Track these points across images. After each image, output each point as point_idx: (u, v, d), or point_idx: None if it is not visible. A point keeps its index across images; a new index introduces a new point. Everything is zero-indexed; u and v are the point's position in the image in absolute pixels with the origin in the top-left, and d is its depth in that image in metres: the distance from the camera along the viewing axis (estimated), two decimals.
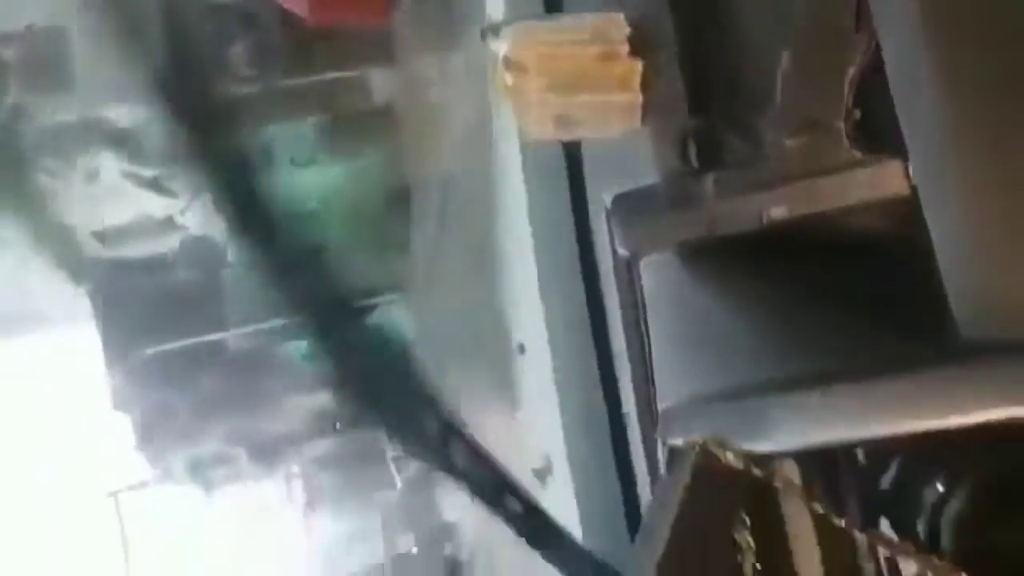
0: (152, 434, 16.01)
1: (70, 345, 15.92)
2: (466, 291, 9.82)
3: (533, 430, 5.68)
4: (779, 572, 1.42)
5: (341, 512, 22.82)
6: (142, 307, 14.66)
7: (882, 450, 1.38)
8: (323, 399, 19.73)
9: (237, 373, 16.57)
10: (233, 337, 15.92)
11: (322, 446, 20.82)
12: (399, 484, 21.32)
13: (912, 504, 1.29)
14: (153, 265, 14.92)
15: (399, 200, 14.52)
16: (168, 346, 14.91)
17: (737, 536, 1.38)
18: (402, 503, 21.01)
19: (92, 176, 12.05)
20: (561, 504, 4.58)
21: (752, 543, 1.38)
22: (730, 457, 1.32)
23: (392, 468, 21.43)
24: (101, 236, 14.10)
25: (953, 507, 1.25)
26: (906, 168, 1.46)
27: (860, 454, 1.39)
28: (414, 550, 18.99)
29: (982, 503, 1.25)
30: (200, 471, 18.38)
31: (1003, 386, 1.15)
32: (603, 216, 1.93)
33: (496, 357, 7.07)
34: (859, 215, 1.56)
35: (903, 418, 1.20)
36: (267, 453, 19.57)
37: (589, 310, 2.85)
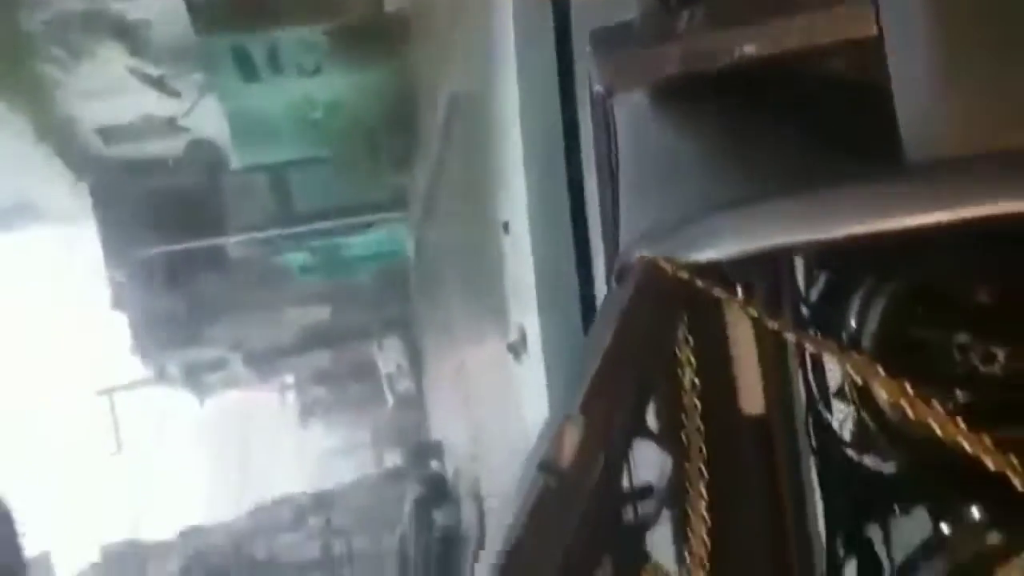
0: (148, 335, 16.15)
1: (69, 242, 15.95)
2: (468, 206, 9.84)
3: (512, 304, 5.77)
4: (717, 387, 1.47)
5: (333, 425, 23.16)
6: (143, 208, 14.66)
7: (815, 259, 1.43)
8: (319, 313, 19.88)
9: (235, 281, 16.65)
10: (233, 244, 15.96)
11: (317, 360, 21.04)
12: (390, 402, 21.65)
13: (838, 311, 1.36)
14: (155, 167, 14.88)
15: (405, 115, 14.40)
16: (167, 248, 14.95)
17: (678, 351, 1.43)
18: (392, 420, 21.35)
19: (97, 69, 11.95)
20: (532, 377, 4.67)
21: (692, 359, 1.42)
22: (675, 270, 1.36)
23: (384, 386, 21.73)
24: (104, 133, 14.04)
25: (874, 312, 1.31)
26: (877, 11, 1.50)
27: (796, 266, 1.45)
28: (401, 465, 19.30)
29: (899, 309, 1.31)
30: (194, 375, 18.57)
31: (935, 194, 1.21)
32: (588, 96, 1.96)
33: (491, 268, 7.12)
34: (826, 56, 1.60)
35: (839, 223, 1.25)
36: (262, 362, 19.75)
37: (569, 190, 2.85)
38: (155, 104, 13.39)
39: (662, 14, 1.74)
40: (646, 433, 1.39)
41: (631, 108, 1.78)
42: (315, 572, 16.86)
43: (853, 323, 1.30)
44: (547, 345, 4.33)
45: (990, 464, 1.08)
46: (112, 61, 12.01)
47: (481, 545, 11.72)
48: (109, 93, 12.74)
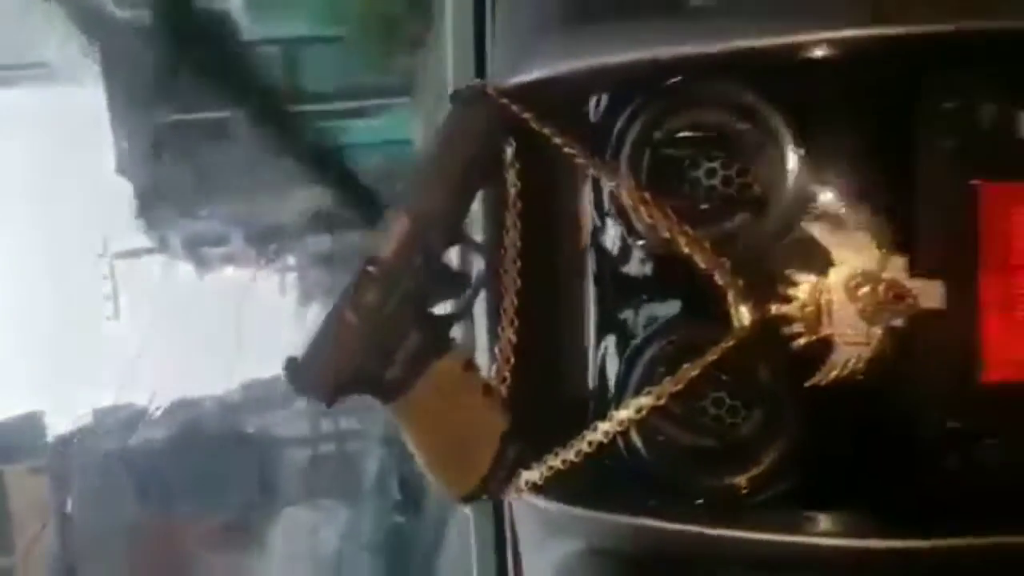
0: (151, 202, 16.34)
1: (77, 103, 15.98)
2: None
3: None
4: (539, 206, 1.66)
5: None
6: (151, 74, 14.68)
7: (610, 86, 1.58)
8: (321, 196, 20.02)
9: (239, 156, 16.74)
10: (236, 119, 15.99)
11: (319, 244, 21.24)
12: None
13: (609, 134, 1.52)
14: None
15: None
16: (173, 117, 15.02)
17: (505, 172, 1.61)
18: None
19: None
20: None
21: (517, 181, 1.60)
22: (496, 94, 1.52)
23: None
24: None
25: (632, 130, 1.48)
26: None
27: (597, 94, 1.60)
28: None
29: (653, 127, 1.48)
30: (196, 248, 18.84)
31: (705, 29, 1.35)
32: None
33: None
34: None
35: (620, 49, 1.39)
36: (263, 241, 19.95)
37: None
38: None
39: None
40: (465, 239, 1.57)
41: None
42: (301, 446, 17.42)
43: (615, 142, 1.46)
44: None
45: (701, 262, 1.26)
46: None
47: None
48: None
